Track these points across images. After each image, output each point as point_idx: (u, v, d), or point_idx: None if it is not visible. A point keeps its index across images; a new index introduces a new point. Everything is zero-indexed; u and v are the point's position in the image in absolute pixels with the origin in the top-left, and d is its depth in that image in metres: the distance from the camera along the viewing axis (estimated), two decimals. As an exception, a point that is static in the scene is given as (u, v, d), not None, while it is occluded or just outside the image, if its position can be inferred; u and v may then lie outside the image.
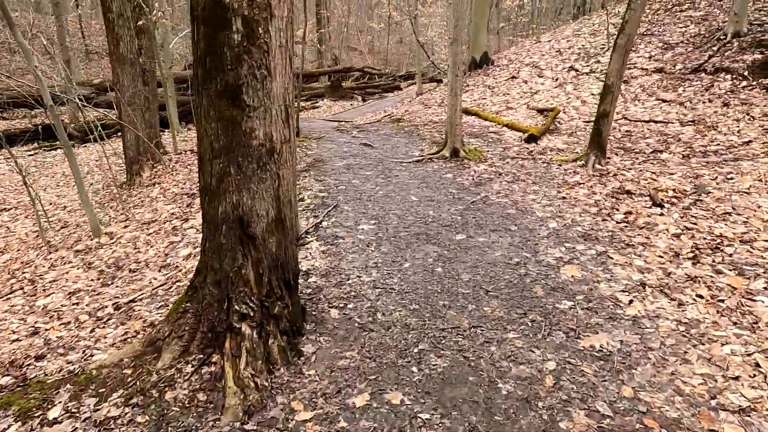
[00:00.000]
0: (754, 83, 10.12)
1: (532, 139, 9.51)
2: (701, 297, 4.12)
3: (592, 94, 12.09)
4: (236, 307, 3.25)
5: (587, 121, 10.73)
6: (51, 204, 9.74)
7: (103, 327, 4.26)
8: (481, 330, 3.70)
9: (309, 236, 5.39)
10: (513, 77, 14.48)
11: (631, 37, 7.17)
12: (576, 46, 14.84)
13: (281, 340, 3.39)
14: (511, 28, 29.26)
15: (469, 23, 16.14)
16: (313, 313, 3.95)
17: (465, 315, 3.90)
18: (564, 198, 6.42)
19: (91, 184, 11.00)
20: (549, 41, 16.23)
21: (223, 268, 3.29)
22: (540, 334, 3.64)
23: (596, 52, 13.94)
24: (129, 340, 3.87)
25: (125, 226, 7.03)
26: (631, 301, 4.09)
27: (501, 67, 15.74)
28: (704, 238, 5.12)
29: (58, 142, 14.52)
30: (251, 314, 3.26)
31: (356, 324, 3.80)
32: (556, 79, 13.32)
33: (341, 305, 4.06)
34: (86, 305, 4.82)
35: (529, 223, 5.69)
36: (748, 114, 9.21)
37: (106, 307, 4.70)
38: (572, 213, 5.92)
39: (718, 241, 5.03)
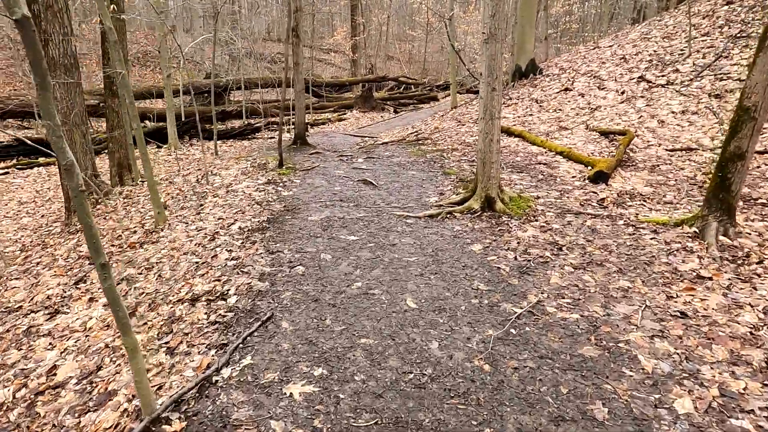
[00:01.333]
0: None
1: (601, 177, 6.37)
2: None
3: (673, 113, 8.80)
4: None
5: (671, 150, 7.49)
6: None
7: None
8: None
9: (173, 419, 2.51)
10: (566, 89, 11.25)
11: (794, 27, 3.99)
12: (645, 51, 11.47)
13: None
14: (559, 35, 25.74)
15: (515, 25, 13.00)
16: None
17: None
18: (683, 315, 3.32)
19: (44, 215, 8.50)
20: (610, 46, 12.87)
21: None
22: None
23: (673, 59, 10.56)
24: None
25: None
26: None
27: (551, 77, 12.51)
28: None
29: (40, 159, 12.21)
30: None
31: None
32: (622, 92, 10.05)
33: None
34: None
35: (631, 391, 2.64)
36: None
37: None
38: (712, 362, 2.84)
39: None
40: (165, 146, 12.26)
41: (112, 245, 5.33)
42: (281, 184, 6.75)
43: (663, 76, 10.11)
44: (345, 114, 20.38)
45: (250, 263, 4.21)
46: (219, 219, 5.37)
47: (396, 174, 7.25)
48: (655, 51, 11.30)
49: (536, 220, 5.05)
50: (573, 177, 6.68)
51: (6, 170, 11.32)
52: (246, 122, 16.55)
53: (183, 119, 15.87)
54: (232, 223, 5.16)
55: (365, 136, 14.97)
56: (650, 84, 9.96)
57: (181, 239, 5.02)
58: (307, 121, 18.50)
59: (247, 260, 4.27)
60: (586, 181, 6.41)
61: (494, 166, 5.20)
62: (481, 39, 5.71)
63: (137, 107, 16.78)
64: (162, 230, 5.36)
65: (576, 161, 7.30)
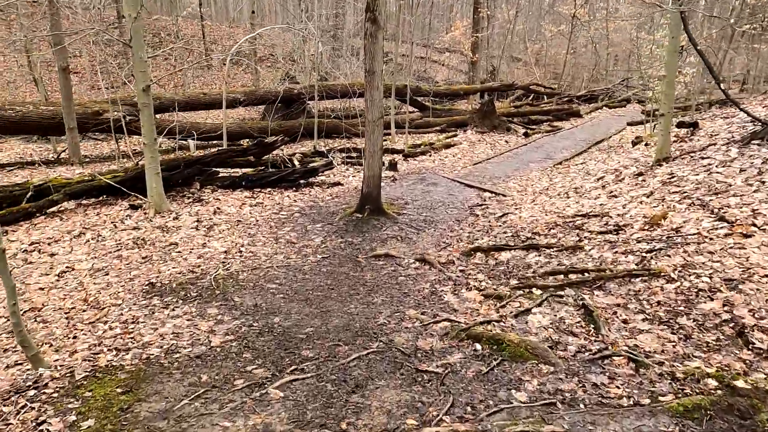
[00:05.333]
0: None
1: None
2: None
3: None
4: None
5: None
6: None
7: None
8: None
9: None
10: None
11: None
12: None
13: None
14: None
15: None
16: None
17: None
18: None
19: None
20: None
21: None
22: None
23: None
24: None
25: None
26: None
27: None
28: None
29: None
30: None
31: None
32: None
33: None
34: None
35: None
36: None
37: None
38: None
39: None
40: (146, 203, 6.55)
41: None
42: None
43: None
44: (456, 134, 13.74)
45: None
46: None
47: None
48: None
49: None
50: None
51: None
52: (313, 149, 10.58)
53: (226, 145, 10.24)
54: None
55: (485, 190, 8.31)
56: None
57: None
58: (401, 147, 12.18)
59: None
60: None
61: None
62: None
63: (179, 119, 11.48)
64: None
65: None
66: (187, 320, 3.50)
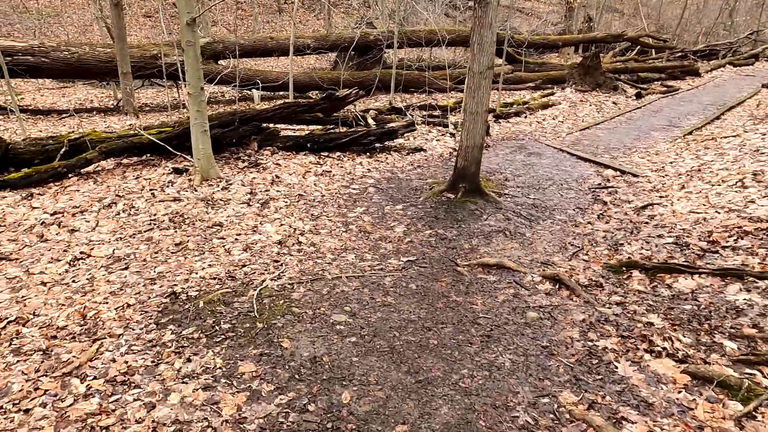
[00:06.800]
0: None
1: None
2: None
3: None
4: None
5: None
6: None
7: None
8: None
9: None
10: None
11: None
12: None
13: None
14: None
15: None
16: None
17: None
18: None
19: None
20: None
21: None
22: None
23: None
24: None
25: None
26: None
27: None
28: None
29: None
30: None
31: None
32: None
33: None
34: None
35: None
36: None
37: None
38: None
39: None
40: (192, 166, 5.24)
41: None
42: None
43: None
44: (552, 93, 11.49)
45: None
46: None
47: None
48: None
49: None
50: None
51: None
52: (389, 104, 8.88)
53: (292, 97, 8.79)
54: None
55: (605, 166, 6.33)
56: None
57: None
58: (492, 107, 10.08)
59: None
60: None
61: None
62: None
63: (242, 67, 10.06)
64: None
65: None
66: (204, 389, 2.11)
